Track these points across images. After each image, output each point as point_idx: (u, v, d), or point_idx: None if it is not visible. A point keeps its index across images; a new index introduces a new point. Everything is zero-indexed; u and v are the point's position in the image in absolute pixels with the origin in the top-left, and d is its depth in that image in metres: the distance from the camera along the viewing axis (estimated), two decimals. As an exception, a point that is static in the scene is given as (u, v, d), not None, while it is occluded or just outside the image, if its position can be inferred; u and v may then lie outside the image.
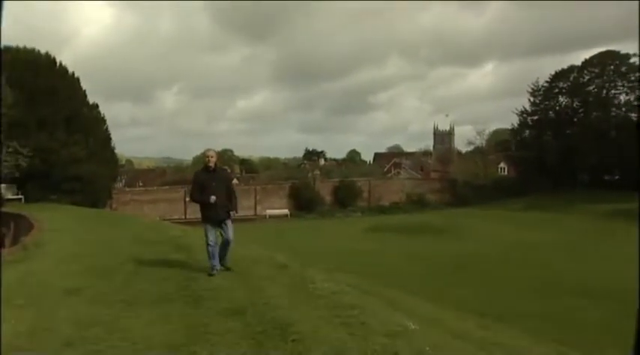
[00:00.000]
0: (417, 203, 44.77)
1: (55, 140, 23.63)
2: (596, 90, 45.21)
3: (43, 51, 26.23)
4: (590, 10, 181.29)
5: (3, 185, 22.38)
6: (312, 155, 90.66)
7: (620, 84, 44.44)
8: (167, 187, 43.99)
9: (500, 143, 57.07)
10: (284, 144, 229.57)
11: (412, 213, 39.65)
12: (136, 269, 7.54)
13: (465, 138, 67.37)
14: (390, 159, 74.68)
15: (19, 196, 23.44)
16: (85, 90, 27.39)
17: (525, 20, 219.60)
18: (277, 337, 4.23)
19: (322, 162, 79.53)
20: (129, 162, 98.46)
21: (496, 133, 59.18)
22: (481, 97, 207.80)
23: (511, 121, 51.50)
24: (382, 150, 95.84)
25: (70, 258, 8.65)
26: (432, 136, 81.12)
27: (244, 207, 34.94)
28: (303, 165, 73.17)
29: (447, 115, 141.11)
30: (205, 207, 6.96)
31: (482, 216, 35.18)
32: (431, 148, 79.45)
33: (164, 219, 28.38)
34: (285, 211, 41.47)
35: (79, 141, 24.83)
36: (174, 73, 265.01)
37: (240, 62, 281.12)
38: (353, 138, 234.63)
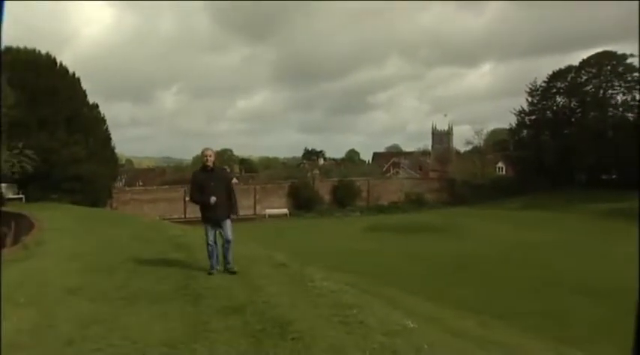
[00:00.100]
0: (416, 202, 44.80)
1: (55, 140, 23.65)
2: (593, 90, 45.32)
3: (43, 51, 26.23)
4: (589, 10, 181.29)
5: (4, 184, 22.39)
6: (311, 155, 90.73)
7: (617, 84, 44.59)
8: (167, 187, 44.07)
9: (498, 143, 57.18)
10: (283, 143, 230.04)
11: (411, 213, 39.70)
12: (136, 268, 7.57)
13: (463, 138, 67.37)
14: (389, 158, 74.67)
15: (20, 196, 23.45)
16: (85, 91, 27.43)
17: (524, 20, 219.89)
18: (276, 335, 4.27)
19: (321, 161, 79.51)
20: (129, 161, 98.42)
21: (494, 133, 59.29)
22: (479, 97, 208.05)
23: (509, 121, 51.73)
24: (381, 149, 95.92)
25: (71, 256, 8.67)
26: (430, 136, 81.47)
27: (244, 206, 34.96)
28: (302, 165, 73.15)
29: (445, 115, 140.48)
30: (205, 207, 6.94)
31: (480, 216, 35.24)
32: (429, 148, 79.62)
33: (164, 219, 28.36)
34: (285, 210, 41.49)
35: (80, 141, 24.85)
36: (174, 73, 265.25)
37: (240, 62, 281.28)
38: (352, 138, 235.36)
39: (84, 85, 27.42)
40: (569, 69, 46.95)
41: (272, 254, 9.33)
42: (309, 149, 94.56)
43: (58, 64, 26.40)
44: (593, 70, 45.15)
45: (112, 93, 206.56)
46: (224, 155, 79.17)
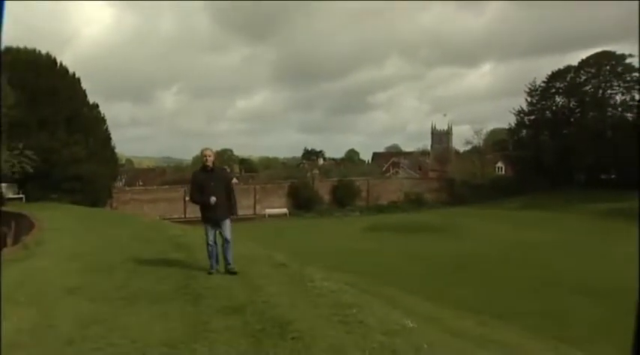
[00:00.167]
0: (415, 202, 44.87)
1: (55, 140, 23.71)
2: (592, 90, 45.41)
3: (43, 51, 26.33)
4: (589, 10, 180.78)
5: (4, 184, 22.42)
6: (311, 155, 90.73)
7: (616, 84, 44.68)
8: (167, 187, 44.08)
9: (498, 142, 57.23)
10: (283, 143, 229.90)
11: (410, 213, 39.71)
12: (136, 268, 7.57)
13: (463, 138, 67.41)
14: (389, 158, 74.68)
15: (20, 195, 23.49)
16: (85, 91, 27.48)
17: (524, 20, 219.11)
18: (276, 335, 4.27)
19: (321, 161, 79.53)
20: (129, 161, 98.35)
21: (493, 133, 59.37)
22: (479, 97, 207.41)
23: (508, 121, 51.82)
24: (381, 149, 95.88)
25: (71, 256, 8.68)
26: (429, 136, 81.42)
27: (243, 206, 35.02)
28: (302, 165, 73.16)
29: (444, 115, 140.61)
30: (205, 207, 6.94)
31: (479, 216, 35.26)
32: (429, 148, 79.62)
33: (164, 218, 28.34)
34: (284, 210, 41.53)
35: (80, 140, 24.90)
36: (174, 73, 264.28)
37: (240, 62, 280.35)
38: (352, 138, 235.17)
39: (84, 85, 27.57)
40: (568, 69, 47.03)
41: (272, 254, 9.32)
42: (309, 149, 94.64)
43: (58, 64, 26.47)
44: (593, 70, 45.22)
45: (112, 93, 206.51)
46: (224, 155, 79.11)
